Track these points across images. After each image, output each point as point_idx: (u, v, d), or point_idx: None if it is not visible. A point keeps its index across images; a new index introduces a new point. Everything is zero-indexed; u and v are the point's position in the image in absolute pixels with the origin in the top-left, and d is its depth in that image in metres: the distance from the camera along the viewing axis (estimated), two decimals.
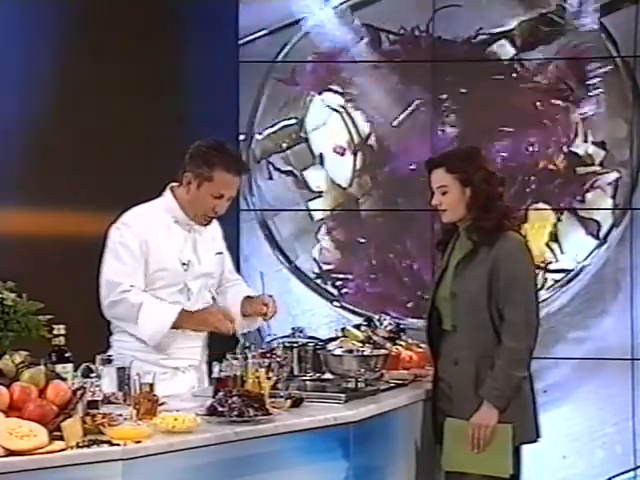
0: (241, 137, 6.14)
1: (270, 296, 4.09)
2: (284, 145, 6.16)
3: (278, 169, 6.16)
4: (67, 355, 3.24)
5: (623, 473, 5.93)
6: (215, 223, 4.13)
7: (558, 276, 6.00)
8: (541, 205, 6.00)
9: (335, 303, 6.09)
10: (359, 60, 6.13)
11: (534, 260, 3.90)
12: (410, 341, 4.61)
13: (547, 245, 6.00)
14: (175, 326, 3.87)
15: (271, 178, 6.17)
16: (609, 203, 5.97)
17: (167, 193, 4.03)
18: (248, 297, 4.12)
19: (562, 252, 6.01)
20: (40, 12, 5.08)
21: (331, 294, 6.12)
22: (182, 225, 4.00)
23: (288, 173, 6.16)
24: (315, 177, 6.16)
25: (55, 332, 3.24)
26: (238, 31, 6.10)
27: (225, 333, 3.88)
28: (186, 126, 5.56)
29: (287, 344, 3.97)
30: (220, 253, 4.15)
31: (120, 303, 3.85)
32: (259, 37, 6.13)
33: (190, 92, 5.81)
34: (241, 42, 6.14)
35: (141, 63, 5.44)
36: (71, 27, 5.23)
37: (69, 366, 3.21)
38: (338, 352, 3.93)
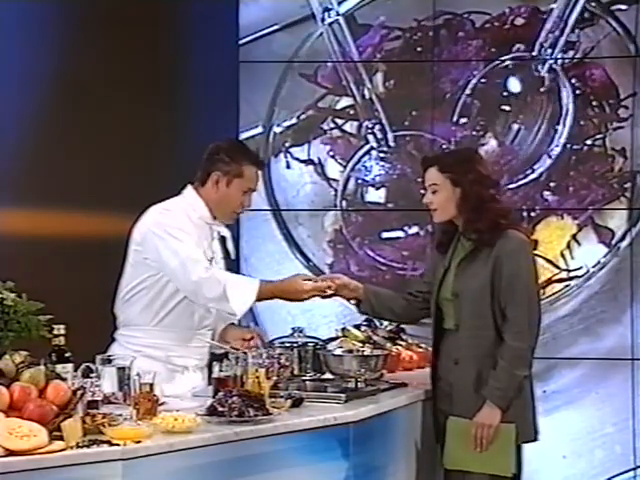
0: (259, 129, 6.15)
1: (259, 328, 4.19)
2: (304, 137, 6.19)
3: (297, 159, 6.17)
4: (67, 355, 3.23)
5: (623, 473, 5.93)
6: (227, 232, 4.17)
7: (566, 281, 6.01)
8: (555, 205, 6.02)
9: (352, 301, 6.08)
10: (359, 60, 6.13)
11: (535, 259, 3.91)
12: (410, 341, 4.62)
13: (561, 253, 6.01)
14: (259, 298, 3.88)
15: (289, 167, 6.18)
16: (626, 212, 5.97)
17: (188, 192, 4.03)
18: (232, 324, 4.14)
19: (572, 257, 6.01)
20: (40, 12, 5.07)
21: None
22: (204, 223, 4.03)
23: (308, 162, 6.17)
24: (334, 168, 6.17)
25: (55, 332, 3.24)
26: (238, 31, 6.11)
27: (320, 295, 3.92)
28: (186, 126, 5.57)
29: (287, 344, 3.97)
30: (224, 258, 4.19)
31: (210, 280, 3.80)
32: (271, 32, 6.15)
33: (190, 92, 5.81)
34: (242, 42, 6.16)
35: (141, 63, 5.45)
36: (71, 27, 5.23)
37: (69, 366, 3.21)
38: (338, 352, 3.94)
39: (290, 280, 3.96)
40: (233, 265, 4.41)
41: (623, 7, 5.97)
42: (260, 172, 4.06)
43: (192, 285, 3.81)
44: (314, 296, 3.93)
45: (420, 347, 4.57)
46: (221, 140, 4.10)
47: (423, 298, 4.03)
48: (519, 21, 6.04)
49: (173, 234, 3.86)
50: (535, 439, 3.85)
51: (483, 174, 3.87)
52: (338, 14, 6.15)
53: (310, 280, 3.97)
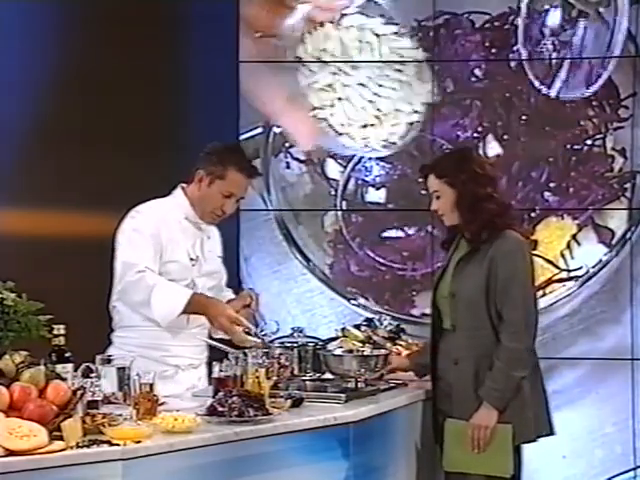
0: (259, 130, 6.14)
1: (251, 289, 4.23)
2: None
3: (297, 159, 6.16)
4: (67, 355, 3.24)
5: (623, 473, 5.92)
6: (216, 231, 4.17)
7: (566, 281, 6.01)
8: (555, 206, 6.02)
9: (352, 301, 6.08)
10: (359, 60, 6.12)
11: (532, 259, 3.91)
12: (410, 341, 4.61)
13: (561, 253, 6.01)
14: (186, 310, 3.86)
15: (289, 167, 6.17)
16: (626, 212, 5.97)
17: (178, 192, 4.08)
18: (230, 300, 4.14)
19: (572, 257, 6.01)
20: (40, 12, 5.08)
21: (347, 292, 6.11)
22: (191, 223, 4.04)
23: (308, 162, 6.16)
24: (334, 168, 6.16)
25: (55, 332, 3.24)
26: (238, 31, 6.10)
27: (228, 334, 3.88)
28: (186, 126, 5.57)
29: (287, 344, 3.97)
30: (220, 257, 4.19)
31: (137, 284, 3.82)
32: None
33: (190, 92, 5.81)
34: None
35: (141, 63, 5.45)
36: (71, 27, 5.24)
37: (69, 366, 3.21)
38: (338, 352, 3.94)
39: (220, 302, 3.95)
40: (234, 265, 4.41)
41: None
42: (249, 180, 4.05)
43: (121, 287, 3.86)
44: (231, 331, 3.85)
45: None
46: (221, 141, 4.11)
47: None
48: (519, 21, 6.03)
49: (129, 237, 3.92)
50: (534, 440, 3.85)
51: (478, 172, 3.87)
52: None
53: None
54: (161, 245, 3.93)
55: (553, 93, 5.99)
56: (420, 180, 3.99)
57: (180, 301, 3.83)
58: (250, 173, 4.07)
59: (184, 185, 4.09)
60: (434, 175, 3.89)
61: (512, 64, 6.03)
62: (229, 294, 4.21)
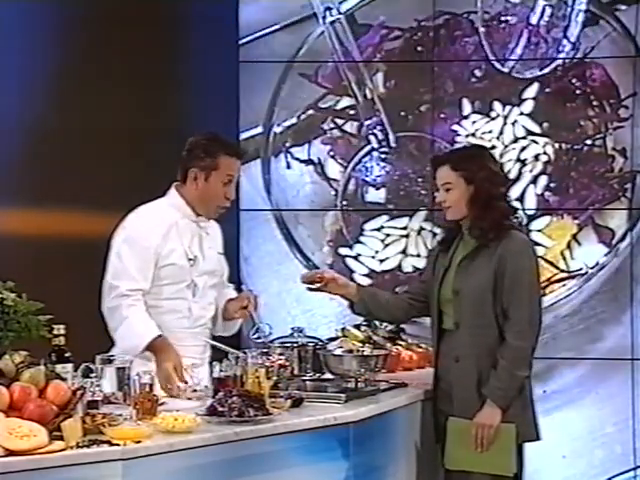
0: (259, 129, 6.15)
1: (250, 290, 4.22)
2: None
3: (297, 159, 6.17)
4: (67, 355, 3.24)
5: (623, 473, 5.93)
6: (216, 226, 4.16)
7: (566, 280, 6.01)
8: (555, 206, 6.02)
9: (345, 301, 6.07)
10: (359, 60, 6.13)
11: (537, 259, 3.91)
12: (410, 341, 4.62)
13: (561, 253, 6.01)
14: (151, 348, 3.80)
15: (289, 167, 6.17)
16: (626, 212, 5.97)
17: (172, 192, 4.05)
18: (230, 299, 4.14)
19: (572, 258, 6.01)
20: (40, 12, 5.08)
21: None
22: (188, 222, 4.02)
23: (308, 162, 6.16)
24: (334, 168, 6.17)
25: (55, 332, 3.24)
26: (238, 31, 6.11)
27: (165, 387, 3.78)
28: (186, 126, 5.56)
29: (287, 344, 3.97)
30: (221, 253, 4.18)
31: (113, 311, 3.83)
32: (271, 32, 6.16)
33: (190, 92, 5.81)
34: (242, 42, 6.16)
35: (141, 63, 5.45)
36: (71, 27, 5.24)
37: (69, 366, 3.21)
38: (338, 352, 3.94)
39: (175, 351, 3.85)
40: (234, 265, 4.41)
41: (623, 7, 5.97)
42: (239, 161, 4.04)
43: (103, 310, 3.87)
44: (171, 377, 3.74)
45: (420, 347, 4.57)
46: (200, 134, 4.09)
47: (419, 298, 4.02)
48: (515, 20, 6.04)
49: (118, 251, 3.90)
50: (538, 438, 3.85)
51: (494, 171, 3.88)
52: (340, 13, 6.15)
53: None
54: (154, 252, 3.90)
55: (506, 69, 6.02)
56: (420, 180, 3.98)
57: (140, 342, 3.78)
58: (238, 154, 4.08)
59: (177, 184, 4.05)
60: (449, 166, 3.86)
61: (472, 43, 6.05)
62: (231, 290, 4.21)
